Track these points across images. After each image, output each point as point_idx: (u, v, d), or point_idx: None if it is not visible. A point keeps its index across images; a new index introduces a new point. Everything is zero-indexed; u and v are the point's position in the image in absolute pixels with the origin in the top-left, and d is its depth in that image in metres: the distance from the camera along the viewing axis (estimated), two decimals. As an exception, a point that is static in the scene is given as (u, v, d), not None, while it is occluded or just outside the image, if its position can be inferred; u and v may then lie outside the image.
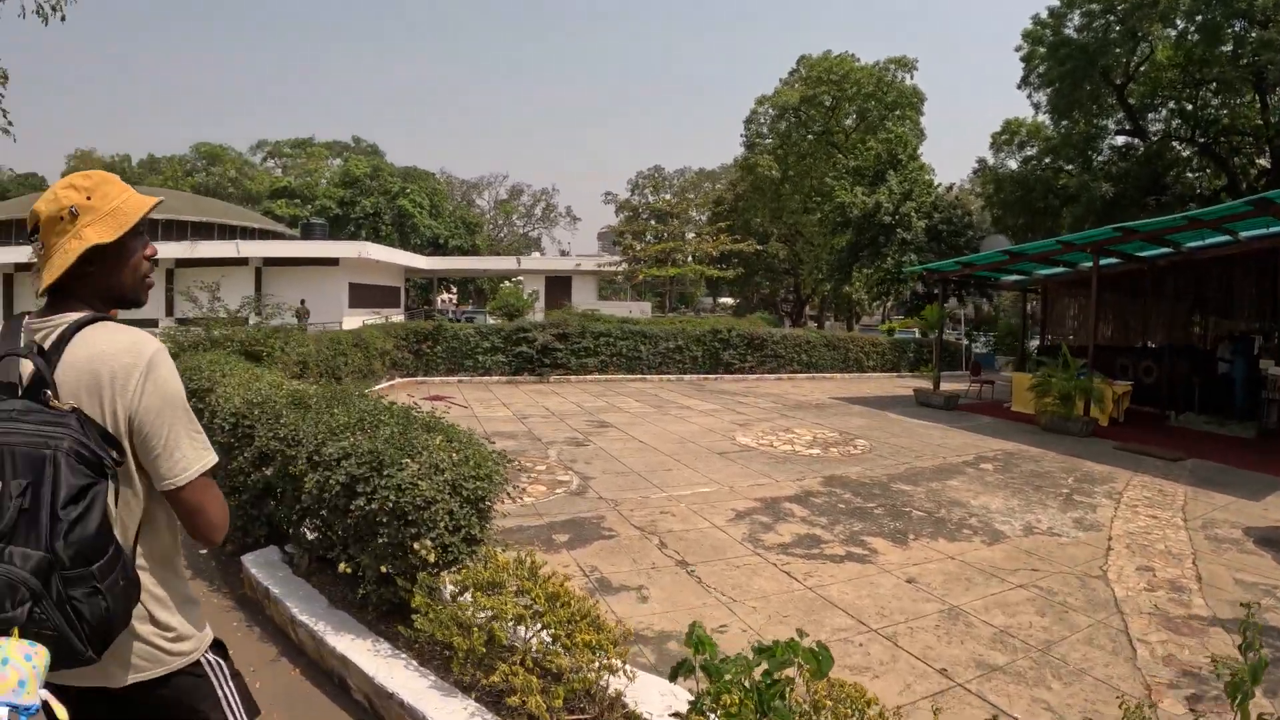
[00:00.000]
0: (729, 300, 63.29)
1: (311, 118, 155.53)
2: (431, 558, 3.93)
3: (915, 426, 13.38)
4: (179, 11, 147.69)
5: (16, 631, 1.48)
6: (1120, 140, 32.36)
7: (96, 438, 1.65)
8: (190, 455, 1.79)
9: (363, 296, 40.16)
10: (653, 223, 51.33)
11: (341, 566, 4.29)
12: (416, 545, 3.91)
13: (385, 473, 4.06)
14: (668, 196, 57.63)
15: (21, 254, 38.38)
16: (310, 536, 5.01)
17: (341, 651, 3.97)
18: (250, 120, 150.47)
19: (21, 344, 1.72)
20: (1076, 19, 29.09)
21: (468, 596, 3.81)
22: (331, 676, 4.11)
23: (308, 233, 45.99)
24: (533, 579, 3.72)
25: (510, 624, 3.57)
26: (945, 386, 17.55)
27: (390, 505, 3.95)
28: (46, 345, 1.72)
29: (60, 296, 1.80)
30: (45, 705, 1.51)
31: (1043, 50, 30.33)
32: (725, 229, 46.23)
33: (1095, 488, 8.81)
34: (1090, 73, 28.33)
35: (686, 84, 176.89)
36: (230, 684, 2.03)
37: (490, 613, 3.55)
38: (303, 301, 30.39)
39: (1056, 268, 18.27)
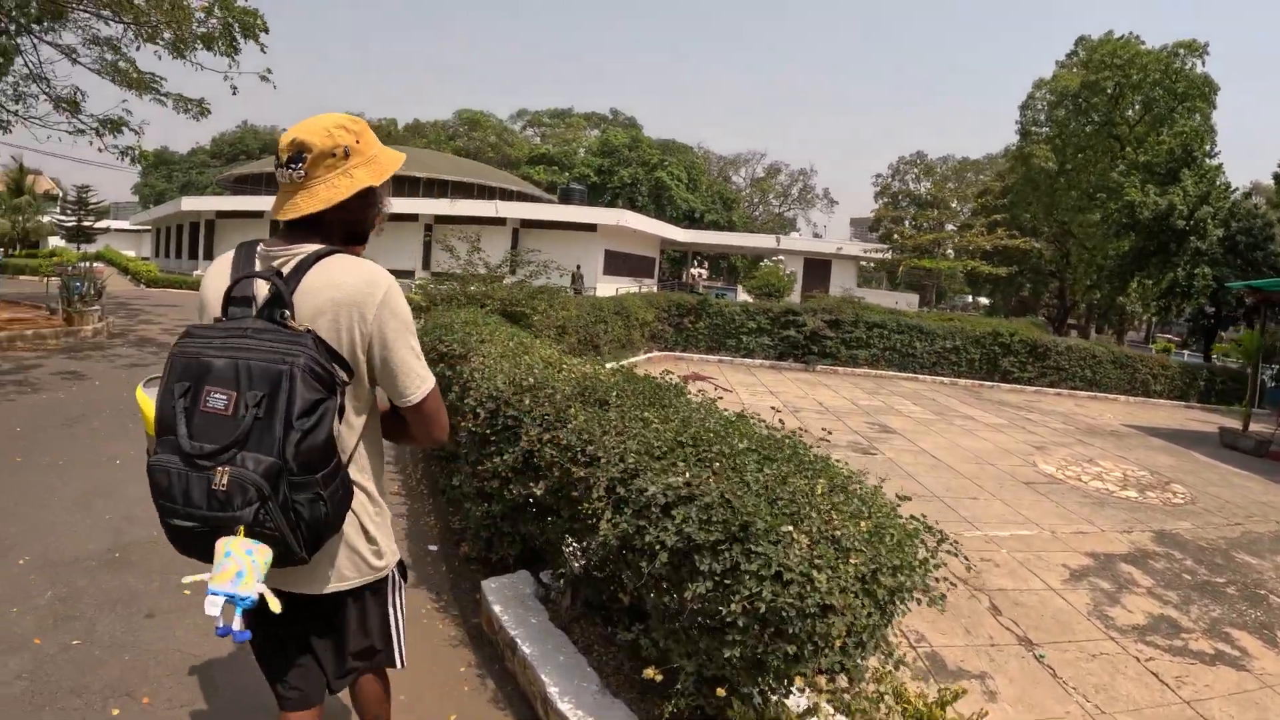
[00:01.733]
0: (984, 300, 60.28)
1: (571, 90, 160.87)
2: (821, 700, 2.77)
3: (1230, 475, 11.95)
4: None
5: (242, 530, 1.65)
6: None
7: (328, 357, 1.80)
8: (422, 373, 2.00)
9: (618, 264, 40.59)
10: (912, 211, 49.59)
11: (649, 673, 2.82)
12: (798, 679, 2.56)
13: (755, 547, 2.48)
14: (928, 185, 55.34)
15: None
16: (578, 565, 3.80)
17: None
18: (511, 91, 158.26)
19: (258, 267, 1.88)
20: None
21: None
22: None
23: (566, 197, 46.96)
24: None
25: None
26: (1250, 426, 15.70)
27: (762, 608, 2.41)
28: (285, 271, 1.85)
29: (301, 228, 1.93)
30: (261, 599, 1.69)
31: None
32: (1000, 222, 43.87)
33: None
34: None
35: (951, 67, 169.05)
36: (401, 603, 2.26)
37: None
38: (579, 266, 30.81)
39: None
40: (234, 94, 15.96)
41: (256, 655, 2.19)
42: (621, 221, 38.65)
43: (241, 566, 1.64)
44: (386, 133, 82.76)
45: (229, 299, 1.83)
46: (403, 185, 45.92)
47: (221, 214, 44.04)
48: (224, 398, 1.66)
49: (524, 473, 3.88)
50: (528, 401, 4.00)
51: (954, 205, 54.43)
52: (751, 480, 2.79)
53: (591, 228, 38.72)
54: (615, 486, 3.08)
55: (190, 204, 45.35)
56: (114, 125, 17.67)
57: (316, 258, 1.86)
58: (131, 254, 56.69)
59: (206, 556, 1.71)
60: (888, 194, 54.08)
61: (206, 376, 1.69)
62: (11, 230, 51.84)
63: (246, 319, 1.78)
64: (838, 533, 2.59)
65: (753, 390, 15.19)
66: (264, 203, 42.81)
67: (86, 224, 52.86)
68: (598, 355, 13.85)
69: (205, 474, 1.63)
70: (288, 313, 1.78)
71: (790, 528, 2.55)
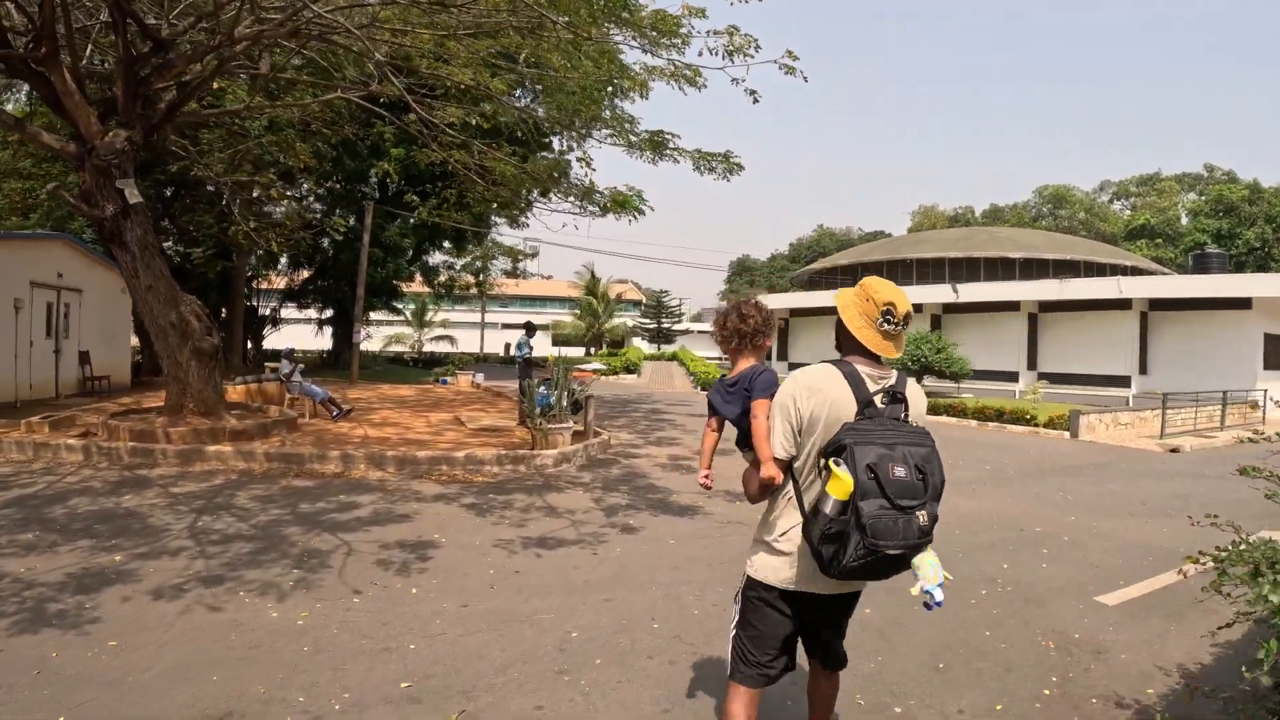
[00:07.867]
0: None
1: (1155, 152, 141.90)
2: None
3: None
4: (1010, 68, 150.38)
5: (929, 549, 2.58)
6: None
7: None
8: None
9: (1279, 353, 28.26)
10: None
11: None
12: None
13: None
14: None
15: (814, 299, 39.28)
16: None
17: None
18: (1081, 163, 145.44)
19: (869, 385, 2.71)
20: None
21: None
22: None
23: (1202, 264, 35.38)
24: None
25: None
26: None
27: None
28: (890, 386, 2.74)
29: (873, 355, 2.79)
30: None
31: None
32: None
33: None
34: None
35: None
36: None
37: None
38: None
39: None
40: (754, 103, 11.83)
41: (772, 639, 2.86)
42: (1293, 292, 25.82)
43: (936, 566, 2.56)
44: (965, 221, 79.19)
45: (865, 404, 2.65)
46: (995, 268, 41.33)
47: (795, 311, 42.20)
48: (903, 470, 2.48)
49: None
50: None
51: None
52: None
53: (1244, 303, 27.02)
54: None
55: (765, 302, 45.07)
56: (618, 203, 17.61)
57: (903, 378, 2.77)
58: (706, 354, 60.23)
59: (876, 576, 2.62)
60: None
61: (887, 457, 2.48)
62: (587, 331, 58.67)
63: (879, 419, 2.63)
64: None
65: None
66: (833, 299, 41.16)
67: (665, 325, 57.27)
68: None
69: (910, 516, 2.46)
70: (906, 416, 2.70)
71: None
